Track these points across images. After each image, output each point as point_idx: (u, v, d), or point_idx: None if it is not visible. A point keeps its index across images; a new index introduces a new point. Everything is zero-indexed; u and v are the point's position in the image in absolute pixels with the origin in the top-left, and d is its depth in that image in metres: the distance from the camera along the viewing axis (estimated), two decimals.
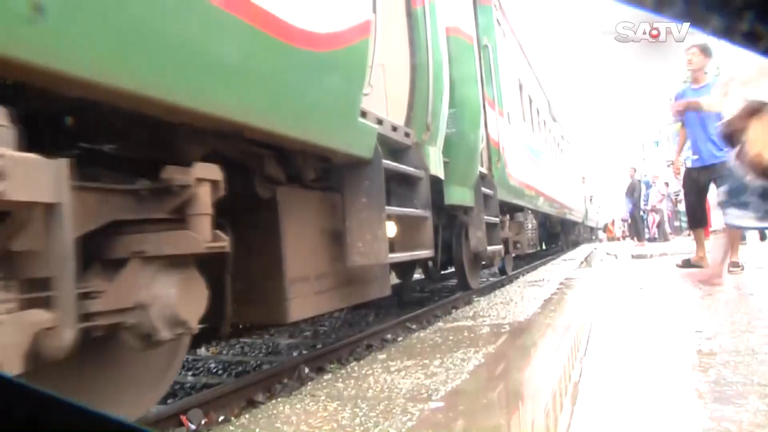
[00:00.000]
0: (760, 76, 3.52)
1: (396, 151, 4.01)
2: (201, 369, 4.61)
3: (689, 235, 17.16)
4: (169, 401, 3.71)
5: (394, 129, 3.92)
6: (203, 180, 2.17)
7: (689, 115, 6.20)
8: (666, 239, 16.64)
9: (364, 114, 3.38)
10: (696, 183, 6.36)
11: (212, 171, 2.24)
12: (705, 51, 6.05)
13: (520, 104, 9.46)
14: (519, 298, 5.41)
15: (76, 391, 2.13)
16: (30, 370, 1.57)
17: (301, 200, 3.42)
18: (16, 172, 1.48)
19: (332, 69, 2.98)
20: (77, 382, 2.13)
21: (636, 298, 4.83)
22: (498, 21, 7.74)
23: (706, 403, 1.94)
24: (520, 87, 9.52)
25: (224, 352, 5.29)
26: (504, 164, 7.47)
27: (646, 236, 17.00)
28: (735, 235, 5.97)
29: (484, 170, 6.60)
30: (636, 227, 17.53)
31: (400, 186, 3.99)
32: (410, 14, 4.35)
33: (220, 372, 4.50)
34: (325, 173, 3.54)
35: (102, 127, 2.17)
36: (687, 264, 6.73)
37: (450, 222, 6.12)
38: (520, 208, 8.90)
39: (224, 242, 2.29)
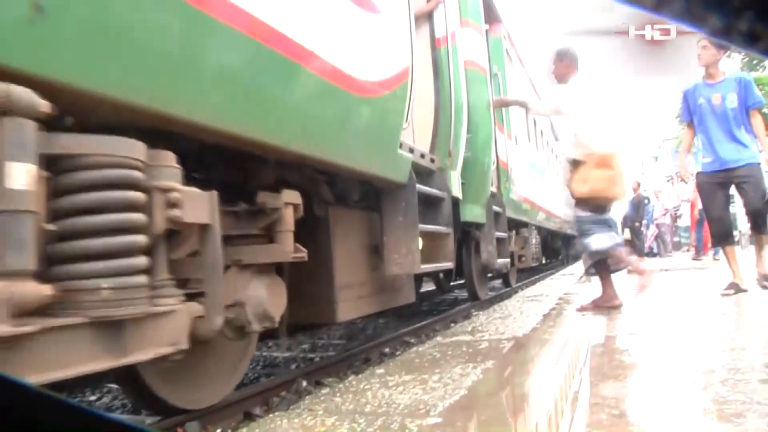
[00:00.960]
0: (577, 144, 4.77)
1: (423, 174, 4.44)
2: None
3: (688, 250, 17.25)
4: (167, 414, 3.70)
5: (422, 156, 4.44)
6: (288, 203, 2.74)
7: (702, 110, 5.60)
8: (667, 254, 16.60)
9: (400, 145, 3.91)
10: (714, 191, 5.60)
11: (295, 196, 2.81)
12: (718, 43, 5.04)
13: (525, 126, 9.99)
14: (518, 313, 5.40)
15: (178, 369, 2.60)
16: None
17: (347, 218, 4.01)
18: (186, 202, 2.03)
19: (381, 111, 3.62)
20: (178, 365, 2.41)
21: (635, 314, 4.83)
22: (507, 51, 8.31)
23: (704, 419, 1.93)
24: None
25: None
26: (512, 183, 8.02)
27: (645, 251, 16.98)
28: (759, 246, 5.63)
29: (494, 189, 7.03)
30: (635, 242, 17.52)
31: (426, 206, 4.39)
32: (435, 53, 4.91)
33: None
34: (365, 195, 4.09)
35: (206, 159, 2.67)
36: (737, 288, 5.45)
37: (462, 237, 6.37)
38: (525, 224, 9.32)
39: (303, 253, 2.85)
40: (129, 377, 2.59)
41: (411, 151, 4.14)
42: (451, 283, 9.70)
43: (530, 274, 12.97)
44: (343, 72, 3.05)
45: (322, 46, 2.84)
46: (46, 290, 1.58)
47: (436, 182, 4.60)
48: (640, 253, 16.49)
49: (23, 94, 1.48)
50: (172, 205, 2.00)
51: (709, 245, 14.46)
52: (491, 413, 2.39)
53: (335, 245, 3.74)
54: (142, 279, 1.90)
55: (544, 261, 14.30)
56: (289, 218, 2.75)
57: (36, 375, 1.58)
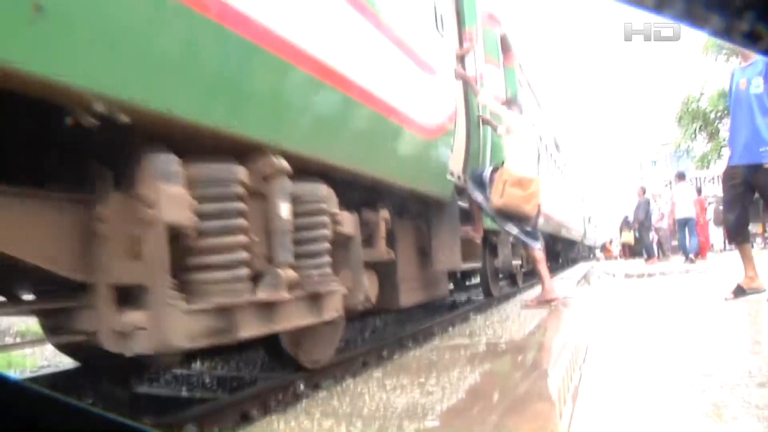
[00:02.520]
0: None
1: (458, 191, 5.52)
2: (195, 384, 4.58)
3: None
4: (164, 417, 3.69)
5: (459, 177, 5.58)
6: (383, 218, 3.94)
7: (732, 95, 5.23)
8: (666, 258, 16.62)
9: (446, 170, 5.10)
10: (732, 185, 5.22)
11: (386, 214, 4.00)
12: None
13: (539, 195, 10.66)
14: (516, 317, 5.40)
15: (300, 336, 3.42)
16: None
17: (405, 228, 4.85)
18: (344, 221, 3.19)
19: (437, 148, 4.86)
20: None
21: (633, 319, 4.82)
22: (518, 80, 9.23)
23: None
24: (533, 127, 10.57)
25: (219, 367, 5.26)
26: None
27: (644, 255, 17.04)
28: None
29: None
30: (643, 245, 17.73)
31: (460, 216, 5.48)
32: (466, 89, 5.96)
33: (214, 387, 4.47)
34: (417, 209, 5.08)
35: (343, 189, 3.37)
36: (741, 292, 5.26)
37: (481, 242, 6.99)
38: None
39: (392, 253, 4.12)
40: (273, 343, 3.35)
41: (451, 174, 5.22)
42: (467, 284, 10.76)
43: (530, 277, 13.00)
44: (415, 122, 4.21)
45: (403, 104, 3.98)
46: (295, 275, 2.63)
47: (467, 197, 5.79)
48: (650, 254, 16.60)
49: (282, 162, 2.54)
50: (337, 223, 3.14)
51: (707, 250, 14.70)
52: (489, 416, 2.38)
53: (398, 249, 4.47)
54: (329, 269, 3.02)
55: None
56: (383, 229, 3.95)
57: (280, 325, 2.62)
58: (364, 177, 3.57)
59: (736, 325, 4.16)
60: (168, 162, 2.05)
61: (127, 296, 2.07)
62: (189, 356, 5.18)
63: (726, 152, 5.94)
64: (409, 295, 4.77)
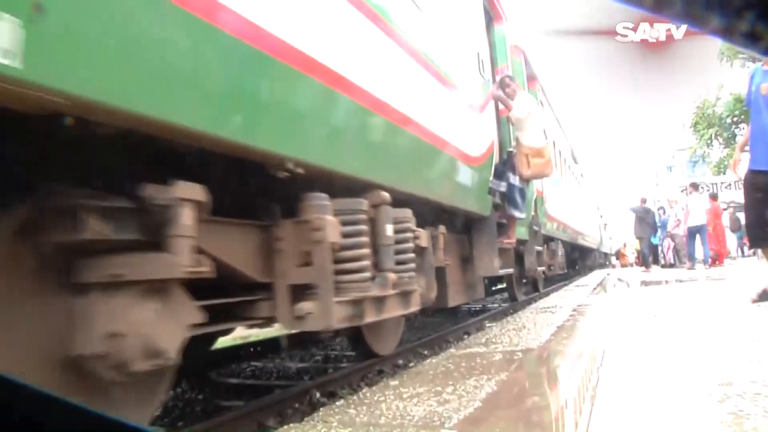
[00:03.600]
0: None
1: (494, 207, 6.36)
2: (210, 392, 4.60)
3: (703, 261, 17.13)
4: (179, 424, 3.71)
5: (495, 195, 6.42)
6: (441, 233, 4.84)
7: (752, 99, 5.12)
8: (682, 265, 16.50)
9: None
10: (751, 191, 5.16)
11: (444, 229, 4.87)
12: None
13: (554, 159, 11.41)
14: (531, 325, 5.37)
15: (375, 328, 4.29)
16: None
17: (452, 239, 5.41)
18: (421, 236, 4.08)
19: (481, 173, 5.73)
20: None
21: (650, 327, 4.78)
22: (540, 101, 10.02)
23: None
24: (554, 144, 11.91)
25: (235, 375, 5.28)
26: (545, 207, 9.97)
27: (662, 262, 16.96)
28: None
29: (534, 213, 8.74)
30: (643, 255, 18.16)
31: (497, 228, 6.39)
32: (498, 119, 6.93)
33: (230, 396, 4.48)
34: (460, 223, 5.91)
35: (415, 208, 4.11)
36: (766, 296, 5.21)
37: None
38: (553, 239, 11.23)
39: (449, 261, 5.20)
40: (356, 333, 4.21)
41: (490, 192, 6.10)
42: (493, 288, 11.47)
43: (549, 282, 13.06)
44: (464, 153, 5.17)
45: (460, 141, 5.03)
46: (395, 277, 3.44)
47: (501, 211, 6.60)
48: (647, 263, 16.71)
49: (386, 195, 3.38)
50: (416, 238, 3.97)
51: (725, 257, 14.70)
52: (506, 425, 2.37)
53: (437, 256, 4.86)
54: (414, 273, 3.81)
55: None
56: (442, 241, 4.82)
57: (385, 314, 3.43)
58: (432, 202, 4.54)
59: (757, 332, 4.11)
60: (324, 199, 2.93)
61: (295, 293, 2.89)
62: (207, 365, 5.21)
63: (742, 158, 5.85)
64: (455, 297, 5.55)
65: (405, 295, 3.72)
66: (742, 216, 22.15)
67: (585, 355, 4.06)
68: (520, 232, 7.36)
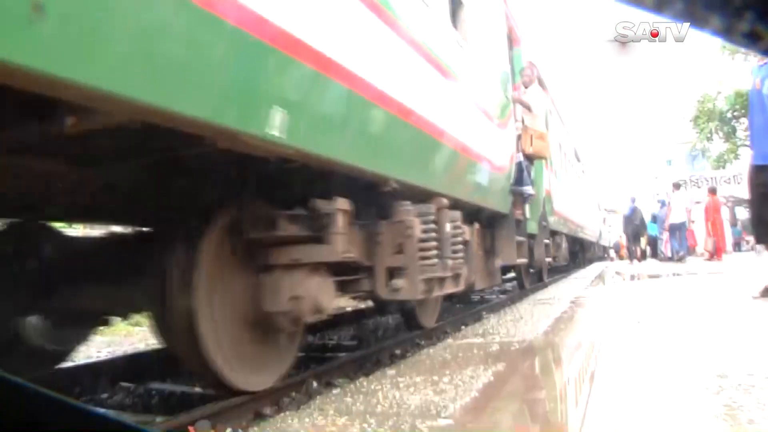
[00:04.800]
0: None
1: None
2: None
3: (702, 255, 17.18)
4: (177, 412, 3.71)
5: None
6: (476, 229, 5.82)
7: (753, 95, 5.15)
8: (679, 259, 16.56)
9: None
10: (754, 186, 5.18)
11: (478, 225, 5.85)
12: None
13: (559, 159, 12.79)
14: (529, 316, 5.39)
15: (421, 306, 5.33)
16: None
17: (477, 233, 5.93)
18: (466, 231, 5.02)
19: (504, 178, 6.70)
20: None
21: (647, 320, 4.79)
22: (549, 110, 10.72)
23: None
24: (560, 146, 12.93)
25: None
26: (552, 204, 10.65)
27: (660, 255, 17.11)
28: None
29: (542, 209, 9.48)
30: (629, 249, 19.75)
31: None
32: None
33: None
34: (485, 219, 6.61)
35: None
36: None
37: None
38: (557, 233, 11.81)
39: (480, 252, 6.20)
40: (407, 310, 5.41)
41: (511, 193, 7.05)
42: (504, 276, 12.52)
43: (553, 273, 13.27)
44: (494, 163, 6.18)
45: (492, 154, 6.08)
46: (452, 263, 4.35)
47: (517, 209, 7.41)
48: (632, 257, 18.73)
49: (446, 201, 4.35)
50: (464, 233, 4.84)
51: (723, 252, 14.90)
52: (502, 415, 2.38)
53: (472, 249, 5.56)
54: (462, 260, 4.66)
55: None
56: (477, 235, 5.83)
57: (444, 290, 4.44)
58: (472, 204, 5.54)
59: (754, 326, 4.12)
60: (410, 206, 3.89)
61: (390, 273, 3.81)
62: None
63: (743, 152, 5.85)
64: (480, 282, 6.21)
65: (456, 277, 4.65)
66: (739, 211, 22.24)
67: (581, 347, 4.07)
68: (531, 226, 8.15)
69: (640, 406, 2.24)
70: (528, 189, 7.35)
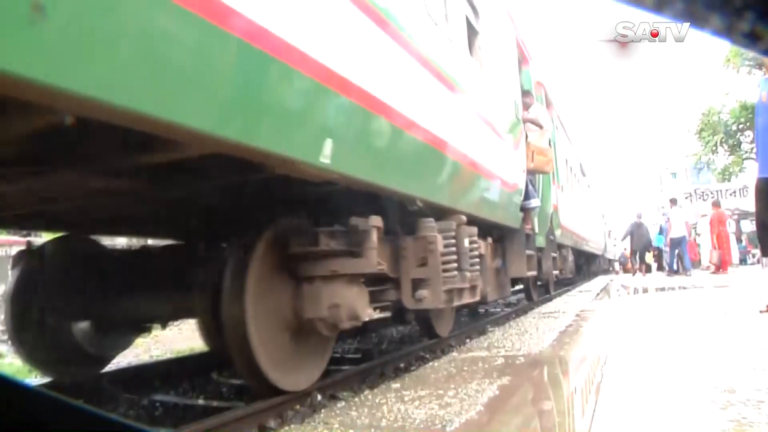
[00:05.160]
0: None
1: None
2: (212, 393, 4.60)
3: (707, 268, 17.12)
4: (181, 426, 3.70)
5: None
6: (489, 243, 6.23)
7: (758, 109, 5.12)
8: (685, 272, 16.52)
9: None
10: (761, 198, 5.13)
11: (491, 240, 6.32)
12: None
13: (566, 175, 13.17)
14: (534, 330, 5.36)
15: (436, 315, 5.61)
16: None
17: (490, 247, 6.32)
18: (481, 246, 5.53)
19: (515, 196, 6.98)
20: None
21: (653, 333, 4.76)
22: (556, 126, 11.32)
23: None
24: (566, 162, 13.28)
25: (235, 376, 5.27)
26: (559, 219, 10.86)
27: (667, 268, 17.12)
28: None
29: (549, 224, 9.73)
30: (633, 261, 20.25)
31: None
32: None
33: (231, 396, 4.48)
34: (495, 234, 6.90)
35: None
36: None
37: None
38: (563, 246, 12.16)
39: (494, 265, 6.76)
40: (423, 318, 5.71)
41: (520, 209, 7.27)
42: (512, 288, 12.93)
43: (559, 285, 13.34)
44: (507, 182, 6.48)
45: (506, 174, 6.40)
46: (469, 275, 4.71)
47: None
48: (633, 270, 19.29)
49: (464, 218, 4.69)
50: (477, 247, 5.12)
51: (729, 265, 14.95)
52: (508, 430, 2.37)
53: (487, 261, 6.04)
54: (478, 273, 4.97)
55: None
56: (491, 249, 6.31)
57: (462, 301, 4.70)
58: (487, 221, 5.88)
59: (761, 340, 4.09)
60: (433, 222, 4.22)
61: (414, 284, 4.16)
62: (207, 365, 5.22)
63: (748, 165, 5.89)
64: (492, 293, 6.44)
65: (473, 288, 4.92)
66: (744, 224, 22.17)
67: (587, 361, 4.05)
68: (539, 241, 8.48)
69: (646, 421, 2.23)
70: (533, 202, 7.59)
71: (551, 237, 9.84)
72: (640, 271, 19.02)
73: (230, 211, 3.85)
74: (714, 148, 24.46)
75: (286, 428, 2.51)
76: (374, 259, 3.55)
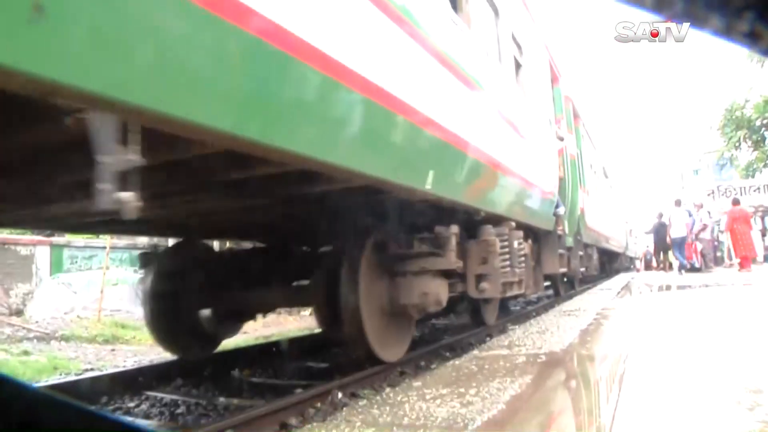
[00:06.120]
0: None
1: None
2: (233, 391, 4.63)
3: (731, 266, 16.91)
4: (202, 422, 3.74)
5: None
6: (529, 243, 6.82)
7: None
8: (708, 269, 16.31)
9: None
10: None
11: (531, 241, 7.01)
12: None
13: (591, 180, 13.81)
14: (555, 328, 5.33)
15: (485, 305, 6.65)
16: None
17: (529, 247, 6.82)
18: (525, 246, 6.41)
19: (551, 200, 7.78)
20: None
21: (676, 332, 4.71)
22: (582, 135, 12.30)
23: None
24: (591, 167, 14.00)
25: (257, 374, 5.31)
26: (585, 220, 11.55)
27: (687, 266, 16.96)
28: None
29: (577, 226, 10.56)
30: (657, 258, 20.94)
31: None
32: (562, 158, 9.14)
33: (252, 394, 4.51)
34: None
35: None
36: None
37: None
38: (589, 245, 12.90)
39: (533, 263, 7.61)
40: (474, 307, 6.64)
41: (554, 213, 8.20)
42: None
43: (583, 282, 13.69)
44: (544, 190, 7.36)
45: (544, 182, 7.32)
46: (518, 271, 5.78)
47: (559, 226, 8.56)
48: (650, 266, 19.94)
49: (513, 223, 5.84)
50: (523, 248, 6.06)
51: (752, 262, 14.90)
52: (530, 428, 2.36)
53: (529, 261, 6.80)
54: (524, 269, 6.05)
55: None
56: (531, 249, 6.88)
57: (511, 293, 5.82)
58: (530, 226, 6.79)
59: None
60: (492, 229, 5.19)
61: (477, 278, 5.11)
62: (226, 363, 5.26)
63: None
64: (530, 288, 7.04)
65: (520, 282, 5.85)
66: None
67: (608, 360, 4.01)
68: (568, 241, 9.37)
69: (671, 421, 2.20)
70: (560, 209, 8.42)
71: (578, 237, 10.63)
72: (663, 269, 18.89)
73: (350, 222, 4.50)
74: (737, 143, 24.11)
75: (308, 426, 2.51)
76: (453, 259, 4.57)
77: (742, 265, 15.74)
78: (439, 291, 4.47)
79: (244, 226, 5.37)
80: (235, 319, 5.88)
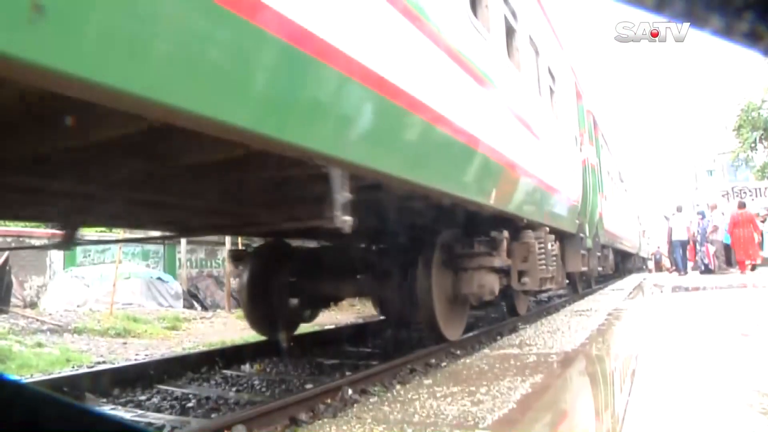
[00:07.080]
0: None
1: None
2: (245, 385, 4.65)
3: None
4: (213, 416, 3.75)
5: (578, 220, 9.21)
6: (558, 244, 7.44)
7: None
8: (721, 271, 16.19)
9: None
10: None
11: (558, 242, 7.51)
12: None
13: (609, 185, 14.36)
14: (566, 328, 5.31)
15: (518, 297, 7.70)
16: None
17: (557, 248, 7.35)
18: (555, 247, 7.08)
19: (575, 207, 8.65)
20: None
21: (687, 333, 4.68)
22: (601, 144, 12.90)
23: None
24: (608, 173, 14.55)
25: (268, 369, 5.33)
26: (603, 224, 12.17)
27: (701, 268, 16.89)
28: None
29: (596, 229, 11.22)
30: (672, 259, 21.09)
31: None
32: (584, 168, 9.73)
33: (263, 389, 4.52)
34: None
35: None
36: None
37: None
38: (605, 246, 13.42)
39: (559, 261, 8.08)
40: (509, 298, 7.53)
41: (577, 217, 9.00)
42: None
43: (585, 284, 13.36)
44: (570, 198, 8.22)
45: (571, 191, 8.28)
46: (551, 269, 6.61)
47: (580, 229, 9.10)
48: (677, 269, 19.14)
49: (547, 228, 6.62)
50: (554, 250, 6.87)
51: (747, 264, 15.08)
52: (541, 426, 2.35)
53: (558, 260, 7.44)
54: (554, 267, 6.87)
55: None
56: (558, 249, 7.40)
57: (547, 286, 6.85)
58: (559, 229, 7.42)
59: None
60: (532, 233, 6.03)
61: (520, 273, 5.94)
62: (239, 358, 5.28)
63: None
64: (554, 284, 7.45)
65: (552, 278, 6.62)
66: None
67: (619, 360, 4.00)
68: (588, 242, 9.93)
69: (681, 424, 2.19)
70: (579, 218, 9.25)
71: (597, 239, 11.33)
72: (676, 270, 18.92)
73: (423, 226, 5.22)
74: (753, 144, 23.87)
75: (319, 422, 2.52)
76: (505, 258, 5.50)
77: (741, 269, 15.72)
78: (493, 283, 5.37)
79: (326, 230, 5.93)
80: (314, 306, 6.83)
